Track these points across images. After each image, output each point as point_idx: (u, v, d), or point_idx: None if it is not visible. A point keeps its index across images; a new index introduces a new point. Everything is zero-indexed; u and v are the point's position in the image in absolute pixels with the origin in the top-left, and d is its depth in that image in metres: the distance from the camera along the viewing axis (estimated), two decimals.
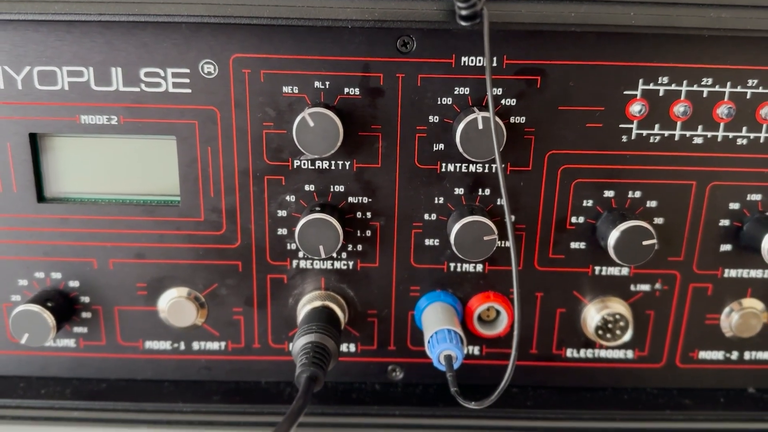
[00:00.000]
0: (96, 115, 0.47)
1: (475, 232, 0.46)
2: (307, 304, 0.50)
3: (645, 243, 0.46)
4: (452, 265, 0.51)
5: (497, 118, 0.44)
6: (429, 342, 0.47)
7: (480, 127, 0.44)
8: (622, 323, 0.50)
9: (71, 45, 0.45)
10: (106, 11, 0.43)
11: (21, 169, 0.48)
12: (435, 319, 0.49)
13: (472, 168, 0.48)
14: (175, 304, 0.51)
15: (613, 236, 0.46)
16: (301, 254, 0.50)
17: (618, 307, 0.51)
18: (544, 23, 0.43)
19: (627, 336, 0.50)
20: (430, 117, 0.47)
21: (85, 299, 0.51)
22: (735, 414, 0.51)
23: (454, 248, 0.47)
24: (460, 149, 0.45)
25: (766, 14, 0.43)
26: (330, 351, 0.45)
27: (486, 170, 0.48)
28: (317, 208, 0.47)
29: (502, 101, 0.47)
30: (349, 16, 0.43)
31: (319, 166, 0.48)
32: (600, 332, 0.51)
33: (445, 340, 0.46)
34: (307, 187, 0.49)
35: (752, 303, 0.51)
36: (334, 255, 0.50)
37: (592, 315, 0.51)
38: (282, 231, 0.49)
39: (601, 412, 0.51)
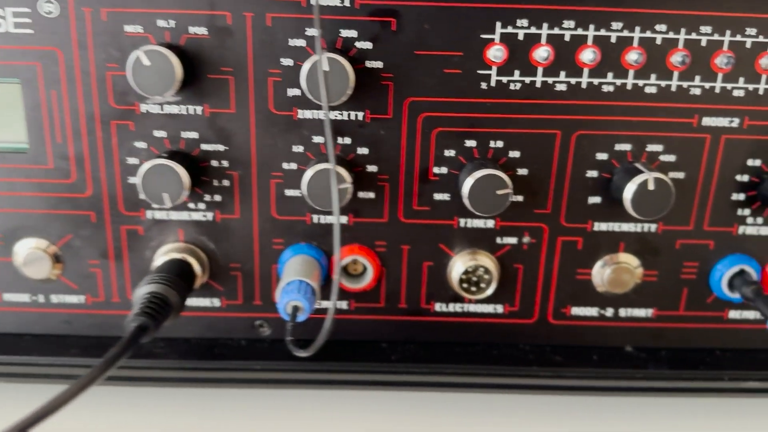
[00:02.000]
0: None
1: (324, 180, 0.45)
2: (162, 255, 0.49)
3: (499, 192, 0.45)
4: (315, 217, 0.49)
5: (343, 59, 0.42)
6: (279, 293, 0.45)
7: (326, 68, 0.42)
8: (486, 276, 0.49)
9: None
10: None
11: None
12: (292, 271, 0.47)
13: (331, 115, 0.47)
14: (29, 256, 0.49)
15: (467, 185, 0.45)
16: (156, 204, 0.48)
17: (483, 260, 0.49)
18: None
19: (491, 289, 0.49)
20: (283, 60, 0.45)
21: None
22: (604, 371, 0.50)
23: (308, 199, 0.45)
24: (308, 94, 0.43)
25: None
26: (171, 303, 0.44)
27: (346, 117, 0.47)
28: (165, 155, 0.46)
29: (357, 44, 0.45)
30: None
31: (168, 111, 0.46)
32: (464, 285, 0.49)
33: (294, 291, 0.45)
34: (157, 134, 0.47)
35: (626, 258, 0.50)
36: (192, 206, 0.49)
37: (458, 268, 0.49)
38: (134, 180, 0.47)
39: (466, 367, 0.50)
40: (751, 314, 0.52)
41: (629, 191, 0.45)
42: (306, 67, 0.42)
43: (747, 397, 0.52)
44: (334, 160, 0.40)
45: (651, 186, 0.44)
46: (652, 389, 0.50)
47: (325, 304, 0.51)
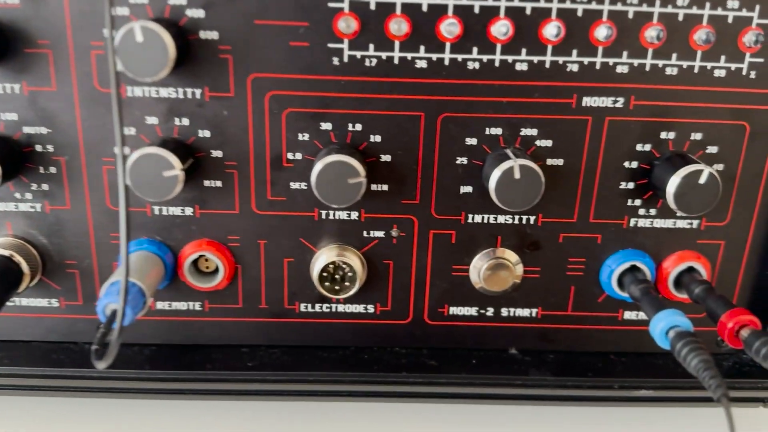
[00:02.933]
0: None
1: (153, 167, 0.39)
2: None
3: (351, 181, 0.40)
4: (157, 208, 0.44)
5: (160, 27, 0.37)
6: (101, 293, 0.40)
7: (139, 39, 0.37)
8: (350, 273, 0.44)
9: None
10: None
11: None
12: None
13: (164, 93, 0.41)
14: None
15: (315, 173, 0.40)
16: None
17: (348, 255, 0.45)
18: None
19: (355, 288, 0.44)
20: (105, 30, 0.40)
21: None
22: (480, 377, 0.46)
23: (134, 191, 0.40)
24: (121, 63, 0.38)
25: None
26: None
27: (182, 96, 0.41)
28: None
29: (187, 12, 0.39)
30: None
31: None
32: (326, 284, 0.45)
33: (116, 293, 0.40)
34: None
35: (504, 253, 0.46)
36: (18, 196, 0.43)
37: (318, 264, 0.45)
38: None
39: (330, 374, 0.45)
40: None
41: (493, 180, 0.40)
42: (118, 37, 0.37)
43: (638, 406, 0.47)
44: (122, 144, 0.35)
45: (516, 174, 0.40)
46: (533, 397, 0.46)
47: (176, 305, 0.47)
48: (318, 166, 0.40)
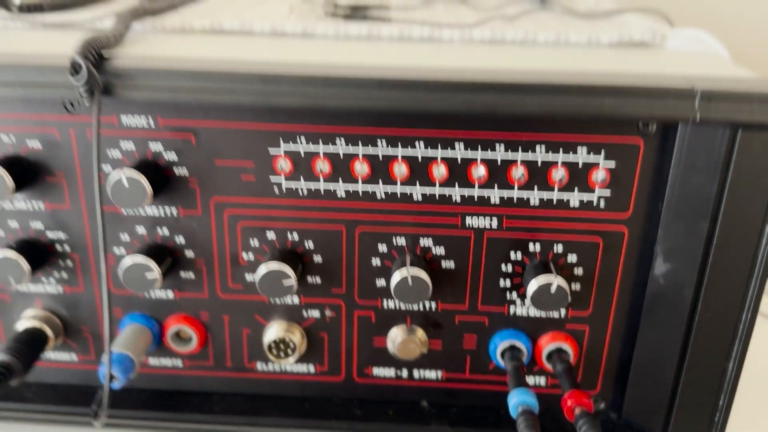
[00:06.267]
0: None
1: (139, 270, 0.53)
2: (25, 320, 0.58)
3: (284, 283, 0.53)
4: (148, 293, 0.58)
5: (139, 175, 0.50)
6: (102, 360, 0.54)
7: (126, 185, 0.50)
8: (291, 345, 0.58)
9: None
10: None
11: None
12: (121, 339, 0.56)
13: (149, 212, 0.55)
14: None
15: (258, 274, 0.53)
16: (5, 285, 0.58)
17: (292, 329, 0.58)
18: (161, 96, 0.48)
19: (295, 356, 0.58)
20: (104, 166, 0.54)
21: None
22: (393, 426, 0.59)
23: (124, 284, 0.54)
24: (111, 199, 0.51)
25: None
26: (13, 368, 0.54)
27: (162, 214, 0.55)
28: (13, 245, 0.55)
29: (164, 155, 0.53)
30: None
31: (19, 208, 0.55)
32: (274, 352, 0.58)
33: (114, 361, 0.54)
34: (11, 224, 0.56)
35: (413, 330, 0.58)
36: (45, 281, 0.58)
37: (267, 336, 0.58)
38: None
39: (279, 420, 0.59)
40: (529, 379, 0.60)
41: (393, 282, 0.53)
42: (111, 180, 0.51)
43: None
44: (105, 267, 0.49)
45: (409, 282, 0.52)
46: None
47: (162, 362, 0.61)
48: (261, 270, 0.53)
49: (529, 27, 0.65)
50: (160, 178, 0.53)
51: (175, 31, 0.63)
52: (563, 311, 0.57)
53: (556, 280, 0.52)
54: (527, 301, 0.55)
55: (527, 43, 0.62)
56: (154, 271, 0.53)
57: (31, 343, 0.57)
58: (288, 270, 0.53)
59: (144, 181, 0.51)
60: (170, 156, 0.53)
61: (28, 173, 0.54)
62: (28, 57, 0.49)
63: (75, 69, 0.46)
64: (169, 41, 0.60)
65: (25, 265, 0.54)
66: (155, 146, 0.53)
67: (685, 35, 0.62)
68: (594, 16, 0.75)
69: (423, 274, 0.52)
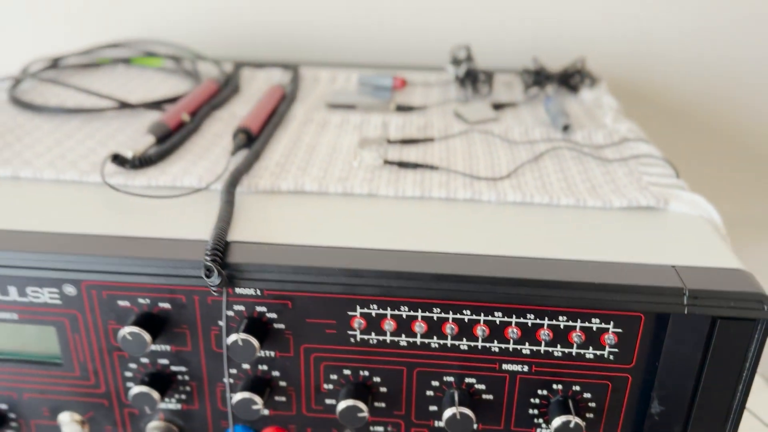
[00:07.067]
0: None
1: (247, 403, 0.68)
2: (150, 430, 0.74)
3: (359, 415, 0.68)
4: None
5: (251, 338, 0.65)
6: None
7: (240, 344, 0.65)
8: None
9: None
10: None
11: None
12: None
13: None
14: (66, 425, 0.75)
15: (339, 408, 0.68)
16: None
17: None
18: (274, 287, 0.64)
19: None
20: (219, 322, 0.68)
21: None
22: None
23: (234, 411, 0.69)
24: (230, 355, 0.66)
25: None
26: None
27: (265, 355, 0.70)
28: (146, 378, 0.70)
29: (267, 314, 0.68)
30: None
31: (152, 349, 0.70)
32: None
33: None
34: (144, 360, 0.71)
35: None
36: (168, 400, 0.73)
37: None
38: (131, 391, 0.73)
39: None
40: None
41: (445, 416, 0.67)
42: (228, 341, 0.66)
43: None
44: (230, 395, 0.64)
45: (457, 416, 0.66)
46: None
47: None
48: (341, 405, 0.68)
49: (554, 190, 0.78)
50: (263, 331, 0.68)
51: (266, 192, 0.77)
52: None
53: (574, 419, 0.66)
54: (551, 428, 0.69)
55: (552, 205, 0.76)
56: (259, 404, 0.69)
57: None
58: (362, 405, 0.68)
59: (254, 341, 0.66)
60: (271, 315, 0.68)
61: (160, 325, 0.69)
62: (166, 247, 0.65)
63: (208, 271, 0.61)
64: (263, 205, 0.75)
65: (155, 395, 0.70)
66: (260, 308, 0.68)
67: (685, 199, 0.75)
68: (610, 159, 0.87)
69: (469, 412, 0.67)
